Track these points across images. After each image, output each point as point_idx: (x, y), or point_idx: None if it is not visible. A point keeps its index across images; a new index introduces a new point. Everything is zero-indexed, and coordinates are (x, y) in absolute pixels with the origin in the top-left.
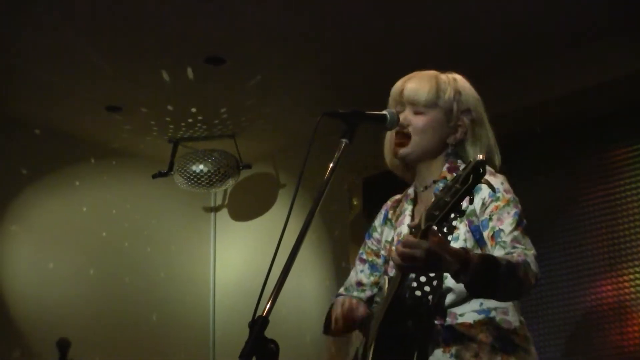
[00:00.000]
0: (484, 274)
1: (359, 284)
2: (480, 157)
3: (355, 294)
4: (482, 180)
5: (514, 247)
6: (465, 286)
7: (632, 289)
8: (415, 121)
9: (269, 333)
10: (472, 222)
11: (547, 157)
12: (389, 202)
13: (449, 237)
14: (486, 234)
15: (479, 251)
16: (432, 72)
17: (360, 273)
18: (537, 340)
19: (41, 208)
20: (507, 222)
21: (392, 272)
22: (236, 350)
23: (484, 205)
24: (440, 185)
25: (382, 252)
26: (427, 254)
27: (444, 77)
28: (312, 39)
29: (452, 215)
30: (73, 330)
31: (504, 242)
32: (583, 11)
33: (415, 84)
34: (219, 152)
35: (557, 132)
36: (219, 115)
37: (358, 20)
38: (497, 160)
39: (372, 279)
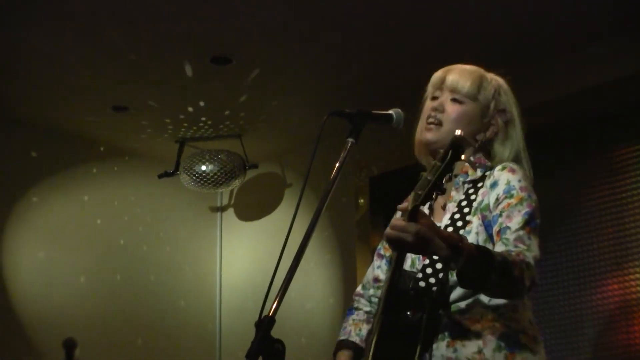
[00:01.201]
0: (477, 265)
1: (376, 280)
2: (458, 132)
3: (371, 291)
4: (463, 158)
5: (516, 247)
6: (457, 274)
7: (639, 288)
8: (450, 109)
9: (275, 333)
10: (485, 217)
11: (551, 157)
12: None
13: (461, 231)
14: (494, 229)
15: (490, 246)
16: (476, 67)
17: (377, 269)
18: (543, 340)
19: (47, 208)
20: (515, 221)
21: (406, 265)
22: (242, 350)
23: (497, 201)
24: (461, 179)
25: None
26: (414, 237)
27: (487, 74)
28: (318, 38)
29: (435, 193)
30: (79, 330)
31: (507, 239)
32: (584, 11)
33: (460, 73)
34: (225, 152)
35: (561, 132)
36: (225, 115)
37: (362, 21)
38: (525, 164)
39: (389, 274)
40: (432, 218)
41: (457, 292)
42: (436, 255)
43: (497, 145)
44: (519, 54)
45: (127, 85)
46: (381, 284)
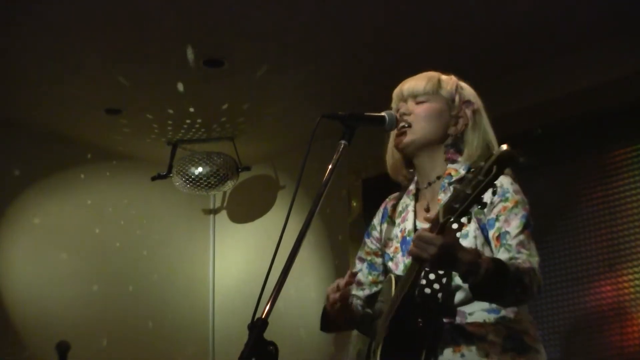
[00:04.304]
0: (493, 279)
1: (358, 283)
2: (505, 147)
3: (353, 292)
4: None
5: (519, 252)
6: (471, 288)
7: (632, 289)
8: (417, 109)
9: (268, 335)
10: (480, 221)
11: (546, 157)
12: (387, 200)
13: (458, 234)
14: (491, 234)
15: (487, 249)
16: (432, 72)
17: (358, 273)
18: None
19: (40, 211)
20: (514, 225)
21: (397, 270)
22: (236, 352)
23: (491, 204)
24: (446, 181)
25: (386, 250)
26: (440, 251)
27: (444, 75)
28: (311, 41)
29: (473, 208)
30: (72, 332)
31: (510, 245)
32: (583, 11)
33: (414, 79)
34: (218, 154)
35: (556, 133)
36: (218, 117)
37: (356, 22)
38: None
39: (370, 278)
40: (415, 220)
41: (460, 295)
42: (455, 271)
43: (468, 135)
44: (518, 55)
45: (120, 88)
46: (363, 287)
